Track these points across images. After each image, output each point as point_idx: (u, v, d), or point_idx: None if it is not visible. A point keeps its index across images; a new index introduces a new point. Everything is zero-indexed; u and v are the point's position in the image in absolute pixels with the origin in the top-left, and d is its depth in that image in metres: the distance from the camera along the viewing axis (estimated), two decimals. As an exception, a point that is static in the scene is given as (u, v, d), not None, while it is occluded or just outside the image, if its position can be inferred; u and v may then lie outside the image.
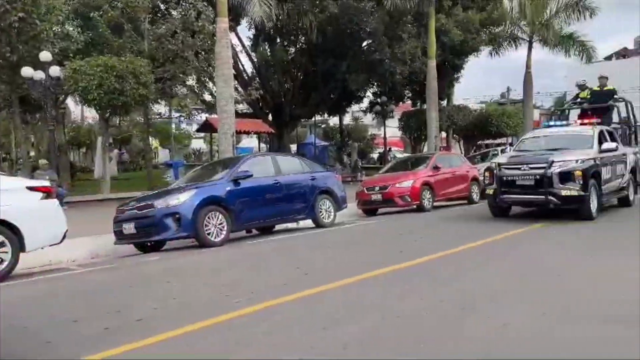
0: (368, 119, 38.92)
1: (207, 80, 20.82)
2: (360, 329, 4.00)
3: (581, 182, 9.09)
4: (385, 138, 31.00)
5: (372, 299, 4.85)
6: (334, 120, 39.44)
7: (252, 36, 25.10)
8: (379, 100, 28.75)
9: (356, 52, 22.03)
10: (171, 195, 8.72)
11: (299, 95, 26.28)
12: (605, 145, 10.21)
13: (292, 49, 25.54)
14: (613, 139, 11.00)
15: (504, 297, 4.80)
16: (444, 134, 30.91)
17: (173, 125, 34.92)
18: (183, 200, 8.43)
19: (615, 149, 10.48)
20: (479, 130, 30.19)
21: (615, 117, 13.12)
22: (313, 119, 34.28)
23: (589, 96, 13.43)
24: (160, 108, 28.40)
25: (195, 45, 17.21)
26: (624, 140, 12.35)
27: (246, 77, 25.07)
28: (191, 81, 20.84)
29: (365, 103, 31.30)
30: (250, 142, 37.92)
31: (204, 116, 29.23)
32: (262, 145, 35.96)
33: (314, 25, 20.18)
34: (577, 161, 9.33)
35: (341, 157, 32.81)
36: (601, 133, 10.64)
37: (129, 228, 8.58)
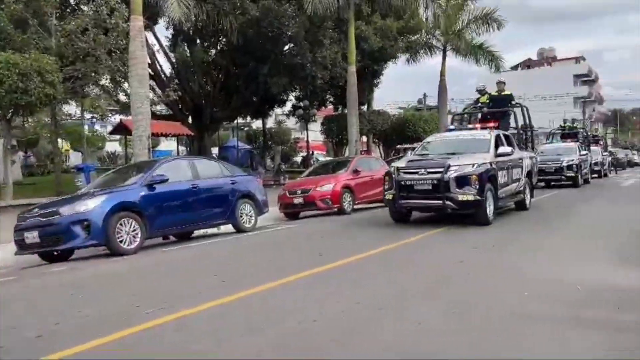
0: (291, 122, 39.01)
1: (122, 80, 19.89)
2: (277, 334, 3.94)
3: (477, 187, 9.03)
4: (308, 142, 31.19)
5: (290, 303, 4.80)
6: (257, 124, 39.16)
7: (170, 36, 24.34)
8: (301, 104, 28.87)
9: (278, 55, 21.98)
10: (79, 201, 8.22)
11: (220, 98, 25.80)
12: (501, 150, 10.27)
13: (213, 51, 25.04)
14: (510, 144, 11.19)
15: (417, 297, 4.93)
16: (364, 138, 31.63)
17: (85, 127, 33.08)
18: (92, 206, 7.98)
19: (511, 153, 10.62)
20: (398, 134, 31.17)
21: (514, 122, 13.78)
22: (235, 121, 33.82)
23: (488, 101, 14.01)
24: (72, 109, 26.81)
25: (108, 44, 16.38)
26: (520, 144, 12.67)
27: (164, 78, 24.26)
28: (104, 81, 19.83)
29: (288, 106, 31.34)
30: (169, 145, 36.76)
31: (118, 117, 27.94)
32: (182, 148, 34.97)
33: (234, 27, 19.88)
34: (473, 165, 9.32)
35: (264, 161, 32.62)
36: (498, 137, 10.73)
37: (32, 237, 7.99)
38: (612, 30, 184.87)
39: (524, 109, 14.12)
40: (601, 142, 31.95)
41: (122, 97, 22.48)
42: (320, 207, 12.89)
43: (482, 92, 14.51)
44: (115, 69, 17.25)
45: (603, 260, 6.32)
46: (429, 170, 9.40)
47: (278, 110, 33.86)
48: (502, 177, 10.14)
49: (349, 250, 7.30)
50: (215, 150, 32.12)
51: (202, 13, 18.77)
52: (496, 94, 14.05)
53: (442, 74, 27.48)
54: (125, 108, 22.56)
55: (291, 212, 13.31)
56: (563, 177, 19.01)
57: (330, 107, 32.81)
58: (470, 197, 9.01)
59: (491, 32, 26.21)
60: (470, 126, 12.73)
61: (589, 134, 29.69)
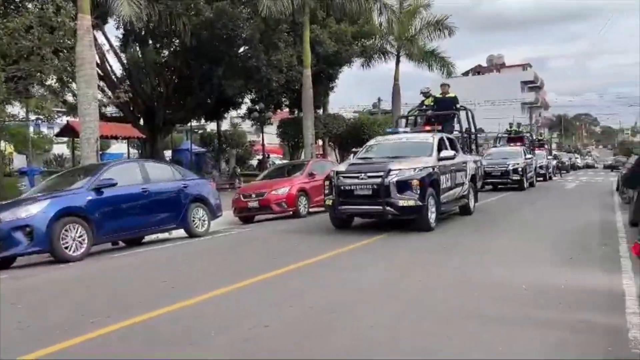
0: (247, 125, 38.68)
1: (70, 80, 19.20)
2: (227, 341, 3.88)
3: (419, 192, 8.71)
4: (263, 145, 31.02)
5: (242, 309, 4.74)
6: (211, 126, 38.61)
7: (121, 36, 23.68)
8: (257, 106, 28.69)
9: (232, 57, 21.75)
10: (21, 206, 7.86)
11: (173, 100, 25.30)
12: (444, 153, 10.00)
13: (166, 52, 24.53)
14: (453, 147, 10.94)
15: (369, 300, 4.96)
16: (320, 142, 31.73)
17: (31, 129, 31.72)
18: (35, 211, 7.64)
19: (454, 157, 10.34)
20: (353, 138, 31.38)
21: (468, 126, 13.81)
22: (189, 124, 33.24)
23: (432, 103, 13.89)
24: (15, 109, 25.63)
25: (54, 43, 15.76)
26: (464, 148, 12.57)
27: (115, 79, 23.57)
28: (51, 81, 19.06)
29: (243, 109, 31.06)
30: (120, 147, 35.72)
31: (65, 119, 26.95)
32: (133, 151, 34.07)
33: (188, 28, 19.55)
34: (415, 169, 9.01)
35: (219, 164, 32.19)
36: (441, 140, 10.52)
37: (-32, 245, 7.56)
38: (555, 39, 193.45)
39: (469, 112, 14.10)
40: (546, 146, 32.76)
41: (69, 98, 21.70)
42: (276, 210, 12.82)
43: (426, 94, 14.42)
44: (62, 68, 16.63)
45: (547, 261, 6.57)
46: (369, 174, 9.01)
47: (233, 113, 33.52)
48: (445, 182, 9.89)
49: (303, 254, 7.29)
50: (168, 153, 31.45)
51: (154, 13, 18.37)
52: (440, 96, 13.86)
53: (395, 78, 27.91)
54: (72, 109, 21.76)
55: (246, 216, 13.17)
56: (509, 180, 19.20)
57: (286, 110, 32.76)
58: (412, 203, 8.71)
59: (443, 39, 26.85)
60: (408, 129, 12.46)
61: (534, 138, 30.34)
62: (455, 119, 13.48)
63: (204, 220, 10.28)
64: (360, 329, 4.06)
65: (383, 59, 28.76)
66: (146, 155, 25.00)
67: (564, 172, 37.91)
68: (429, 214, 9.06)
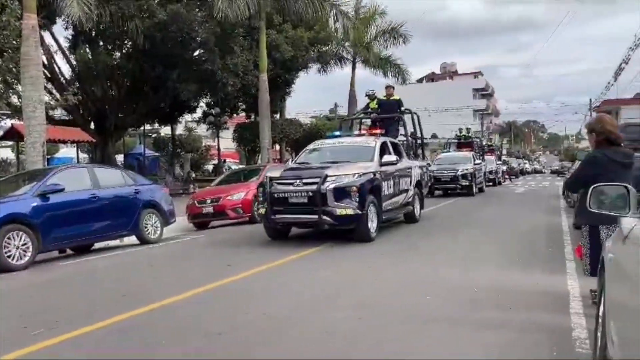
0: (202, 129, 38.12)
1: (15, 82, 18.41)
2: (181, 350, 3.79)
3: (358, 199, 8.13)
4: (219, 149, 30.64)
5: (195, 317, 4.64)
6: (165, 130, 37.86)
7: (70, 37, 22.92)
8: (212, 111, 28.31)
9: (187, 61, 21.42)
10: (-41, 213, 7.44)
11: (125, 103, 24.65)
12: (386, 158, 9.47)
13: (118, 54, 23.90)
14: (397, 152, 10.49)
15: (322, 306, 4.96)
16: (277, 147, 31.62)
17: (-28, 132, 30.23)
18: (-25, 219, 7.26)
19: (396, 162, 9.82)
20: (309, 143, 31.38)
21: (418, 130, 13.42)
22: (142, 128, 32.47)
23: (377, 106, 13.42)
24: (-45, 111, 24.35)
25: (-2, 42, 15.12)
26: (409, 153, 12.10)
27: (63, 81, 22.79)
28: (-6, 82, 18.24)
29: (198, 113, 30.61)
30: (69, 152, 34.51)
31: (9, 122, 25.80)
32: (84, 155, 32.98)
33: (140, 30, 19.12)
34: (354, 175, 8.39)
35: (173, 169, 31.55)
36: (384, 145, 10.01)
37: None
38: (505, 48, 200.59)
39: (414, 115, 13.61)
40: (496, 152, 33.38)
41: (14, 100, 20.80)
42: (231, 216, 12.66)
43: (371, 97, 13.92)
44: (7, 69, 15.94)
45: (496, 264, 6.76)
46: (304, 181, 8.32)
47: (188, 117, 32.99)
48: (387, 188, 9.37)
49: (255, 261, 7.21)
50: (120, 158, 30.61)
51: (105, 14, 17.88)
52: (385, 98, 13.25)
53: (351, 84, 28.22)
54: (17, 112, 20.87)
55: (201, 222, 12.94)
56: (458, 186, 19.17)
57: (243, 114, 32.51)
58: (350, 211, 8.09)
59: (398, 46, 27.36)
60: (356, 132, 12.12)
61: (483, 143, 30.43)
62: (400, 123, 12.97)
63: (156, 227, 10.04)
64: (315, 334, 4.06)
65: (339, 64, 29.05)
66: (97, 159, 24.25)
67: (513, 177, 39.09)
68: (369, 222, 8.45)
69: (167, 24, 19.23)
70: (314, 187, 8.16)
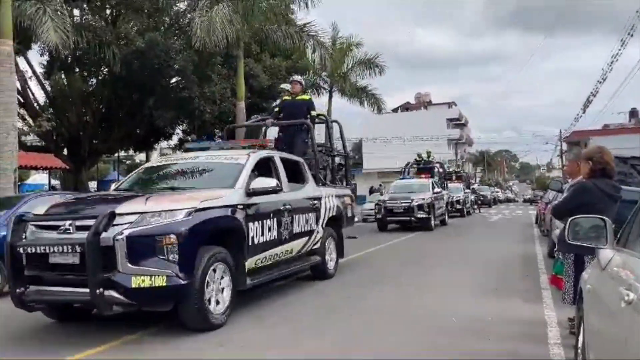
0: (177, 156, 37.84)
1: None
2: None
3: (178, 258, 4.66)
4: (194, 177, 30.38)
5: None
6: (140, 157, 37.49)
7: (45, 62, 22.72)
8: (189, 137, 28.14)
9: (164, 88, 21.38)
10: None
11: (100, 129, 24.37)
12: (258, 183, 5.90)
13: (94, 80, 23.73)
14: (299, 173, 7.51)
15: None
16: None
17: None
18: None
19: (278, 189, 6.18)
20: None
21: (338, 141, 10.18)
22: (116, 154, 32.10)
23: (278, 109, 9.52)
24: None
25: (-30, 67, 14.87)
26: (323, 175, 8.72)
27: (37, 107, 22.45)
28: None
29: (174, 140, 30.45)
30: (40, 178, 33.83)
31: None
32: (55, 182, 32.35)
33: (117, 57, 19.08)
34: (178, 213, 4.85)
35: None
36: (265, 162, 6.68)
37: None
38: (477, 79, 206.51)
39: (333, 125, 10.13)
40: (464, 179, 30.25)
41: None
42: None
43: (281, 93, 10.40)
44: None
45: (473, 294, 6.78)
46: (79, 223, 4.76)
47: (164, 144, 32.77)
48: (263, 232, 5.96)
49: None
50: (93, 185, 30.13)
51: (82, 41, 17.81)
52: (289, 98, 9.25)
53: (328, 113, 28.49)
54: (-12, 137, 20.44)
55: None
56: (413, 218, 16.43)
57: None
58: (160, 281, 4.59)
59: (374, 77, 27.83)
60: (230, 144, 8.33)
61: (445, 169, 26.78)
62: (309, 134, 8.70)
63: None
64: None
65: (316, 93, 29.33)
66: (70, 186, 23.80)
67: (486, 206, 38.21)
68: (208, 301, 4.96)
69: (144, 52, 19.23)
70: (87, 235, 4.49)
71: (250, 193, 5.84)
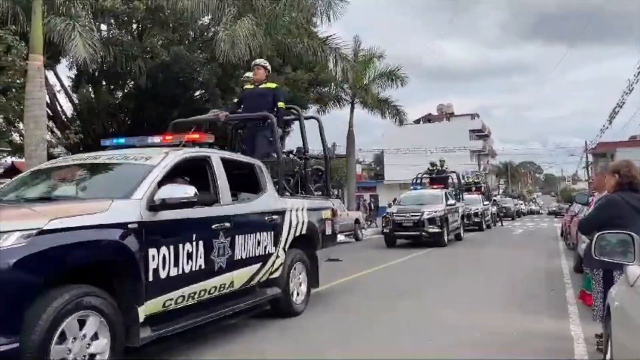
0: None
1: (17, 120, 18.63)
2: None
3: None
4: (217, 188, 30.68)
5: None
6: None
7: (73, 76, 23.33)
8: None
9: (188, 100, 21.74)
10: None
11: (125, 141, 24.87)
12: (167, 192, 4.24)
13: (119, 93, 24.29)
14: (255, 181, 5.94)
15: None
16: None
17: (-29, 169, 30.31)
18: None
19: (194, 201, 4.32)
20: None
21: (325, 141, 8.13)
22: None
23: (236, 101, 8.35)
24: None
25: (2, 82, 15.35)
26: (293, 182, 7.06)
27: (65, 119, 23.02)
28: (-3, 120, 18.42)
29: (197, 151, 30.88)
30: (67, 189, 34.49)
31: (10, 159, 25.94)
32: (82, 193, 32.96)
33: (143, 70, 19.49)
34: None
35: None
36: (196, 164, 5.19)
37: None
38: (499, 90, 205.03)
39: (304, 121, 7.76)
40: (484, 190, 28.61)
41: (16, 138, 20.99)
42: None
43: (245, 82, 8.53)
44: (10, 108, 16.16)
45: (499, 309, 6.67)
46: None
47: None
48: (174, 261, 4.27)
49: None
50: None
51: (109, 55, 18.27)
52: (251, 86, 7.46)
53: (350, 125, 28.58)
54: (18, 150, 21.07)
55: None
56: (424, 233, 14.97)
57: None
58: None
59: (396, 88, 27.83)
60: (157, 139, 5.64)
61: (461, 178, 24.73)
62: (272, 130, 6.70)
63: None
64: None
65: (338, 105, 29.45)
66: (95, 197, 24.22)
67: (509, 218, 36.70)
68: None
69: (169, 65, 19.61)
70: None
71: (155, 206, 4.14)
